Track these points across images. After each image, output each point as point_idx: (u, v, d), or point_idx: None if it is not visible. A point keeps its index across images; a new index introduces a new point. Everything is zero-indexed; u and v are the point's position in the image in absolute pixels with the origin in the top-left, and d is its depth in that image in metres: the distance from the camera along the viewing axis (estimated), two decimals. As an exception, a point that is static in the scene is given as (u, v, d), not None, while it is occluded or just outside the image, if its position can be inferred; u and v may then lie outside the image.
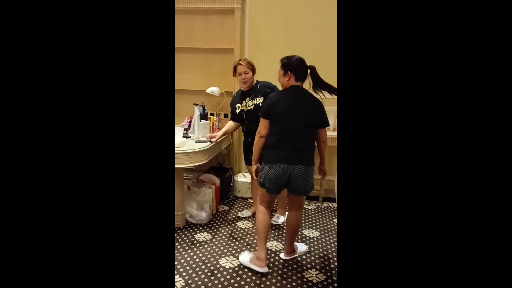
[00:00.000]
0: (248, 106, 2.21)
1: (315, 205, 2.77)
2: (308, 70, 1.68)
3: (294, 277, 1.77)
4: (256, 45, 2.73)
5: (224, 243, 2.11)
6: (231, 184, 2.95)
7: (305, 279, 1.75)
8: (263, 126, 1.70)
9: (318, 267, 1.87)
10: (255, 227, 1.98)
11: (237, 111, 2.26)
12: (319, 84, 1.66)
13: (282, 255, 1.93)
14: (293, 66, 1.66)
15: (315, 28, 2.67)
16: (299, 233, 2.22)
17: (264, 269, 1.74)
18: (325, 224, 2.42)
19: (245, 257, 1.84)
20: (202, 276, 1.76)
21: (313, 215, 2.58)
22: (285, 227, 2.15)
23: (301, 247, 2.00)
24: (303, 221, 2.45)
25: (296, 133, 1.63)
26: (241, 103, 2.25)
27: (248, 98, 2.21)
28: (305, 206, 2.76)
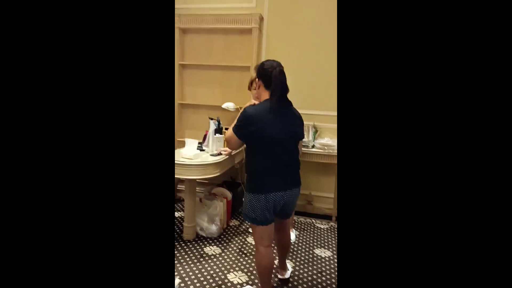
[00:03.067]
0: None
1: (328, 224, 2.71)
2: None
3: (303, 297, 1.70)
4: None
5: (233, 258, 2.08)
6: (243, 199, 2.94)
7: (315, 300, 1.69)
8: (235, 142, 1.49)
9: (329, 288, 1.80)
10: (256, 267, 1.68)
11: None
12: (280, 92, 1.43)
13: (279, 276, 1.84)
14: (260, 70, 1.47)
15: (330, 46, 2.72)
16: (311, 252, 2.16)
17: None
18: (337, 244, 2.35)
19: None
20: (210, 290, 1.73)
21: (325, 234, 2.51)
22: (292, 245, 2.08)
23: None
24: (316, 240, 2.39)
25: (288, 155, 1.45)
26: None
27: None
28: (317, 225, 2.70)
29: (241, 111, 1.51)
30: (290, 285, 1.80)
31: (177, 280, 1.26)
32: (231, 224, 2.61)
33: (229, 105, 2.73)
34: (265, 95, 1.47)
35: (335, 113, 2.64)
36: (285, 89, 1.46)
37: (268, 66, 1.46)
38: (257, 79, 1.51)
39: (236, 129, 1.47)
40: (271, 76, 1.42)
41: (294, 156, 1.50)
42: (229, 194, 2.62)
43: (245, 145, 1.60)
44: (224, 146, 2.49)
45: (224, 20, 2.78)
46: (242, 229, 2.53)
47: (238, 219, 2.73)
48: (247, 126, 1.42)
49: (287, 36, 2.83)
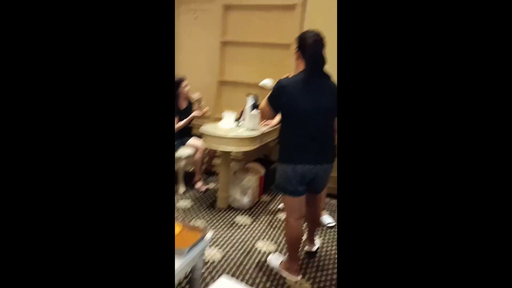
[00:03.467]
0: None
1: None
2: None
3: (330, 270, 1.73)
4: (313, 42, 2.74)
5: (262, 229, 2.15)
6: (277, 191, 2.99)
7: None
8: (269, 112, 1.49)
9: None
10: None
11: None
12: (317, 63, 1.40)
13: (306, 248, 1.86)
14: (299, 40, 1.42)
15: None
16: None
17: (298, 278, 1.62)
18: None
19: (275, 261, 1.72)
20: (238, 254, 1.82)
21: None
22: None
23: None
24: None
25: (319, 129, 1.43)
26: None
27: None
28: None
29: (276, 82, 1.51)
30: (316, 259, 1.84)
31: (210, 233, 1.35)
32: (262, 199, 2.68)
33: (266, 82, 2.74)
34: (302, 66, 1.44)
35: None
36: (320, 60, 1.41)
37: (306, 35, 1.43)
38: (297, 49, 1.47)
39: (268, 99, 1.48)
40: (306, 44, 1.40)
41: (325, 130, 1.47)
42: (262, 170, 2.68)
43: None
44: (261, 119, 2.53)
45: (267, -5, 2.76)
46: (273, 205, 2.59)
47: (270, 195, 2.80)
48: (279, 97, 1.42)
49: (331, 13, 2.73)
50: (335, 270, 1.74)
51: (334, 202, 2.71)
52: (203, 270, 1.62)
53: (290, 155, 1.47)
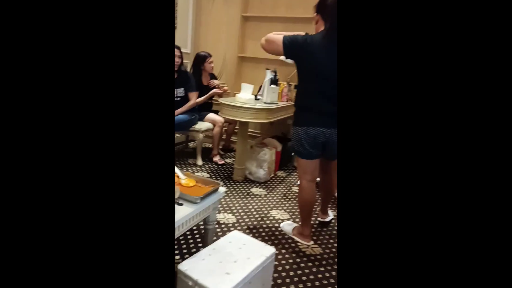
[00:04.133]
0: None
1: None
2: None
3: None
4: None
5: (277, 200, 2.17)
6: (292, 154, 2.98)
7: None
8: (276, 48, 1.41)
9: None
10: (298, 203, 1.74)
11: None
12: (335, 25, 1.29)
13: (319, 219, 1.87)
14: (319, 4, 1.38)
15: None
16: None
17: (310, 243, 1.64)
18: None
19: (288, 227, 1.74)
20: (253, 219, 1.86)
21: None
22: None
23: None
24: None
25: (332, 93, 1.36)
26: None
27: None
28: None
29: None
30: (330, 229, 1.83)
31: (222, 188, 1.38)
32: (278, 174, 2.69)
33: (287, 57, 2.71)
34: (322, 28, 1.41)
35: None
36: None
37: (330, 1, 1.35)
38: (316, 14, 1.44)
39: (286, 40, 1.38)
40: (325, 6, 1.35)
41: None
42: (278, 145, 2.68)
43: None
44: (281, 98, 2.52)
45: (291, -32, 2.70)
46: (289, 180, 2.59)
47: (286, 171, 2.80)
48: (297, 49, 1.37)
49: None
50: (349, 239, 1.73)
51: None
52: (218, 229, 1.67)
53: (304, 117, 1.47)
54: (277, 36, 1.42)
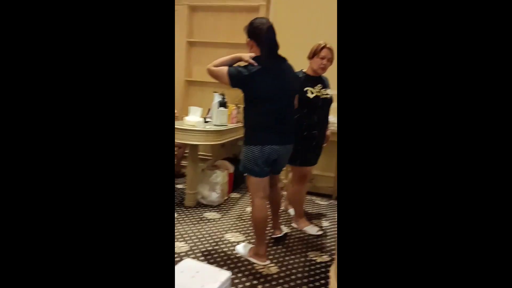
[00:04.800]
0: (324, 94, 1.90)
1: (328, 202, 2.73)
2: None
3: (297, 255, 1.74)
4: (279, 41, 2.84)
5: (232, 222, 2.13)
6: (245, 175, 2.99)
7: (308, 258, 1.72)
8: (221, 77, 1.48)
9: (324, 250, 1.83)
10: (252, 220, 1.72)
11: (310, 95, 1.85)
12: (272, 50, 1.47)
13: (273, 235, 1.89)
14: (250, 31, 1.51)
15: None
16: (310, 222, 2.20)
17: (266, 262, 1.63)
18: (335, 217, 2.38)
19: (244, 249, 1.71)
20: (207, 245, 1.78)
21: (324, 209, 2.54)
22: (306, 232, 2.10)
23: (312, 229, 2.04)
24: (315, 213, 2.42)
25: (282, 111, 1.51)
26: (313, 88, 1.88)
27: (320, 85, 1.90)
28: (317, 201, 2.73)
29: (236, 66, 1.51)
30: (285, 244, 1.84)
31: (227, 273, 1.16)
32: (232, 196, 2.66)
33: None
34: (258, 53, 1.50)
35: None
36: (275, 45, 1.50)
37: (257, 24, 1.49)
38: (248, 40, 1.53)
39: (231, 73, 1.46)
40: (260, 33, 1.46)
41: (288, 111, 1.57)
42: (231, 167, 2.67)
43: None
44: (230, 121, 2.55)
45: (232, -3, 2.85)
46: (243, 201, 2.58)
47: (240, 192, 2.78)
48: (242, 80, 1.45)
49: (294, 14, 2.87)
50: (303, 254, 1.76)
51: (325, 202, 2.76)
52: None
53: (257, 136, 1.52)
54: (222, 70, 1.48)
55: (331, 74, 2.43)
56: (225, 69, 1.48)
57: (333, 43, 2.72)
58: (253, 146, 1.51)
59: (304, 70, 1.95)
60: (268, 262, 1.64)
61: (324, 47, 1.89)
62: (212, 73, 1.53)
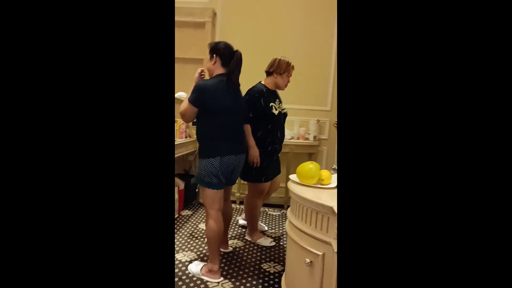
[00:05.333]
0: (282, 109, 1.98)
1: (280, 212, 2.80)
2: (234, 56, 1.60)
3: (251, 268, 1.74)
4: (225, 57, 2.91)
5: (183, 241, 2.05)
6: (196, 190, 2.93)
7: (262, 270, 1.73)
8: (191, 113, 1.56)
9: (277, 260, 1.86)
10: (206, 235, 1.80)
11: (275, 111, 1.90)
12: (233, 71, 1.60)
13: (223, 250, 1.90)
14: (219, 49, 1.60)
15: (282, 41, 2.90)
16: (262, 233, 2.22)
17: (219, 279, 1.61)
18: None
19: (196, 267, 1.66)
20: (156, 268, 1.69)
21: (276, 219, 2.59)
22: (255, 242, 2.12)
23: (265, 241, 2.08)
24: (267, 224, 2.46)
25: (238, 124, 1.64)
26: (275, 103, 1.93)
27: (278, 101, 1.97)
28: (269, 212, 2.77)
29: (193, 86, 1.58)
30: (238, 259, 1.83)
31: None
32: (183, 214, 2.57)
33: (181, 94, 2.74)
34: (219, 71, 1.61)
35: (292, 106, 2.80)
36: (240, 69, 1.64)
37: (230, 48, 1.62)
38: (214, 55, 1.61)
39: (192, 99, 1.54)
40: (233, 57, 1.60)
41: (241, 125, 1.70)
42: (181, 183, 2.59)
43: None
44: (179, 135, 2.49)
45: (178, 12, 2.84)
46: (195, 218, 2.51)
47: (192, 209, 2.70)
48: (202, 96, 1.53)
49: (240, 30, 2.97)
50: (257, 267, 1.76)
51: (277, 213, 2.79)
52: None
53: (216, 148, 1.56)
54: (185, 103, 1.55)
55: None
56: (186, 104, 1.55)
57: (285, 56, 2.90)
58: (212, 158, 1.54)
59: (262, 83, 1.97)
60: (221, 279, 1.61)
61: (291, 66, 1.97)
62: (183, 114, 1.57)
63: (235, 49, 1.63)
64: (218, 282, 1.57)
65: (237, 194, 2.93)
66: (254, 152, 1.79)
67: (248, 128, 1.77)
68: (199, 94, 1.53)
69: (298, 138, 2.85)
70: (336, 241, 1.02)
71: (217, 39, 2.96)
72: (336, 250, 1.01)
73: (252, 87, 1.93)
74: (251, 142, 1.79)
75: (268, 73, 1.98)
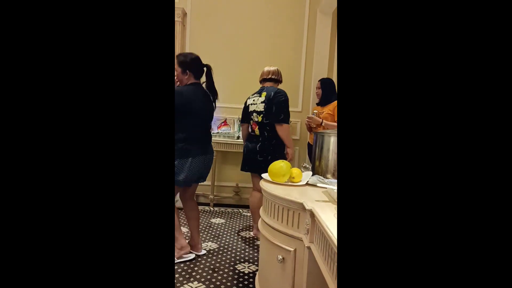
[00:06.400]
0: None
1: (209, 208, 2.84)
2: (205, 69, 1.79)
3: (226, 270, 1.73)
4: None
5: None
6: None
7: (237, 271, 1.73)
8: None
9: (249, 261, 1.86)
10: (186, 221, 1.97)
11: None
12: (210, 84, 1.82)
13: (196, 252, 1.92)
14: (192, 64, 1.73)
15: (252, 42, 2.92)
16: (236, 235, 2.21)
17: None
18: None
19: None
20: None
21: (250, 220, 2.60)
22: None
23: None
24: (241, 225, 2.45)
25: (209, 126, 1.87)
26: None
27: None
28: (243, 213, 2.77)
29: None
30: (213, 261, 1.81)
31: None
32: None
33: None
34: (192, 81, 1.76)
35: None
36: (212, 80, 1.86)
37: (200, 61, 1.77)
38: (187, 71, 1.73)
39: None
40: (207, 72, 1.81)
41: (210, 127, 1.90)
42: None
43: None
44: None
45: (146, 12, 2.77)
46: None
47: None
48: (179, 108, 1.65)
49: (211, 31, 2.95)
50: (231, 268, 1.76)
51: (229, 209, 2.77)
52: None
53: (195, 148, 1.71)
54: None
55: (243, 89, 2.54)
56: None
57: (249, 56, 2.92)
58: (198, 157, 1.71)
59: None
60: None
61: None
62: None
63: (205, 53, 1.79)
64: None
65: (211, 197, 2.90)
66: (293, 150, 2.11)
67: (286, 128, 2.01)
68: (178, 109, 1.65)
69: (270, 139, 2.90)
70: (306, 236, 1.05)
71: (187, 39, 2.93)
72: (307, 245, 1.04)
73: (283, 92, 2.03)
74: (289, 142, 2.06)
75: (276, 80, 2.13)
